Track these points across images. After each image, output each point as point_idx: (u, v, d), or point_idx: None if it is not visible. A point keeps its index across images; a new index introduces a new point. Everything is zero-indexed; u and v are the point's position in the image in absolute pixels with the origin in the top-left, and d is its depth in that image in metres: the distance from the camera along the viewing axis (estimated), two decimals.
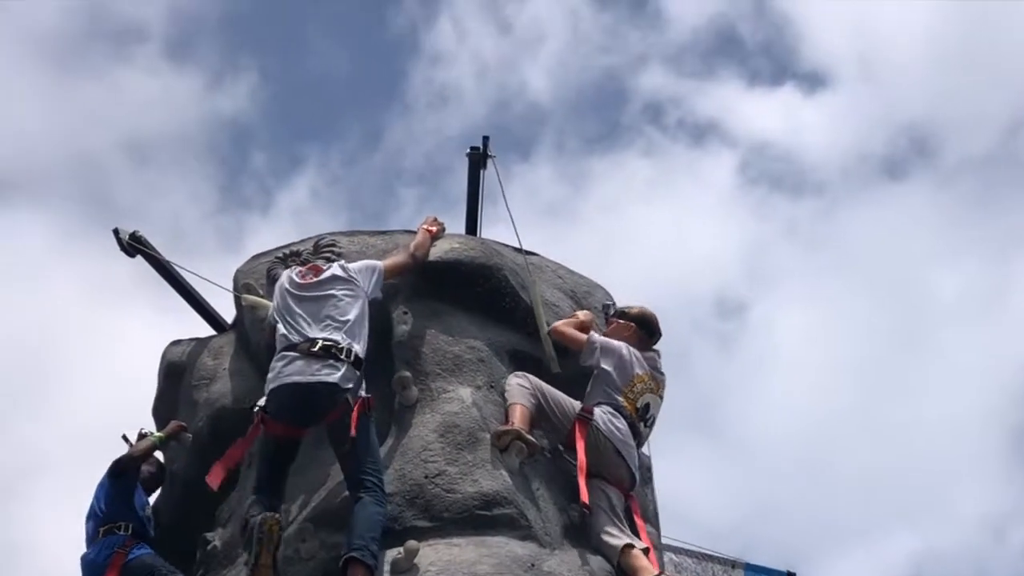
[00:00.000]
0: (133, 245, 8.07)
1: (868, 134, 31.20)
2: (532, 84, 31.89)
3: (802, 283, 30.20)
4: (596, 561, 6.63)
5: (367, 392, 6.56)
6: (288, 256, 7.62)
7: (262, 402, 6.59)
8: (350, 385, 6.42)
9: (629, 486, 7.13)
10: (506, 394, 7.01)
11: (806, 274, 30.24)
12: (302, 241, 7.73)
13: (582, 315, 7.53)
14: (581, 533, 6.83)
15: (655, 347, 7.57)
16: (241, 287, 7.65)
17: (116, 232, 8.07)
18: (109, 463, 7.52)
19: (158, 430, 7.98)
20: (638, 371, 7.27)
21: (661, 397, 7.42)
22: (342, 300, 6.73)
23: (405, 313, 7.19)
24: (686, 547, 10.30)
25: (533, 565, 6.22)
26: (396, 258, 7.14)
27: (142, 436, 8.12)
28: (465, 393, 6.92)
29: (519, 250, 7.75)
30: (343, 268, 6.94)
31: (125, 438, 8.04)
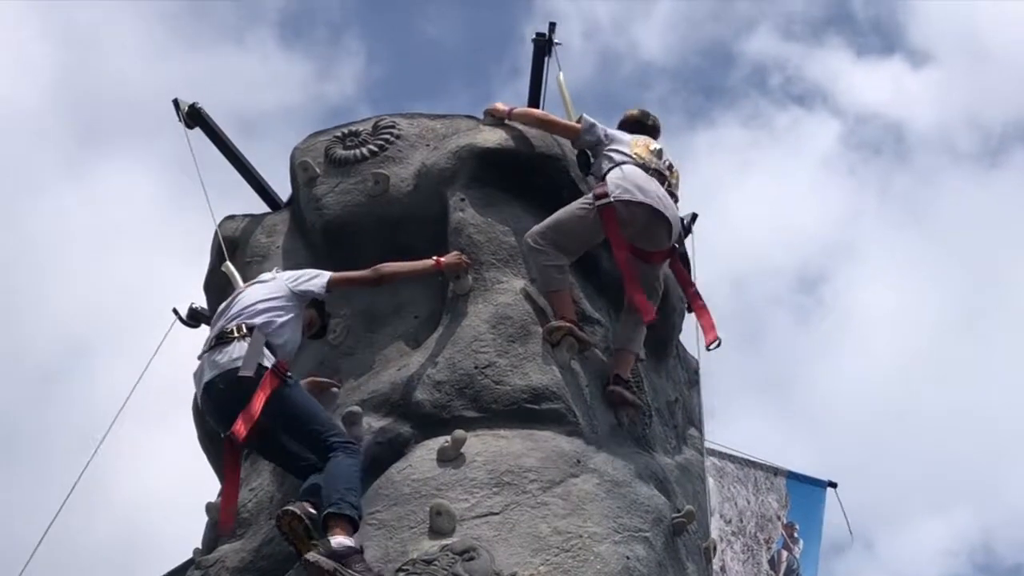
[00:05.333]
0: (193, 117, 8.00)
1: (971, 117, 30.72)
2: (640, 47, 31.41)
3: (886, 260, 30.01)
4: (641, 460, 6.59)
5: None
6: (347, 135, 7.54)
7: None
8: (249, 358, 5.84)
9: (668, 248, 6.92)
10: (537, 277, 6.75)
11: (892, 251, 30.01)
12: (363, 120, 7.64)
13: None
14: (628, 433, 6.79)
15: None
16: (298, 165, 7.57)
17: (176, 103, 8.00)
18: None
19: (209, 305, 7.97)
20: (636, 138, 7.18)
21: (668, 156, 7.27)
22: (249, 293, 6.32)
23: (462, 200, 7.08)
24: (729, 452, 10.26)
25: (579, 461, 6.18)
26: (355, 272, 6.52)
27: (193, 310, 8.12)
28: (519, 284, 6.82)
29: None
30: (273, 272, 6.59)
31: (176, 312, 8.04)
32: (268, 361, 5.90)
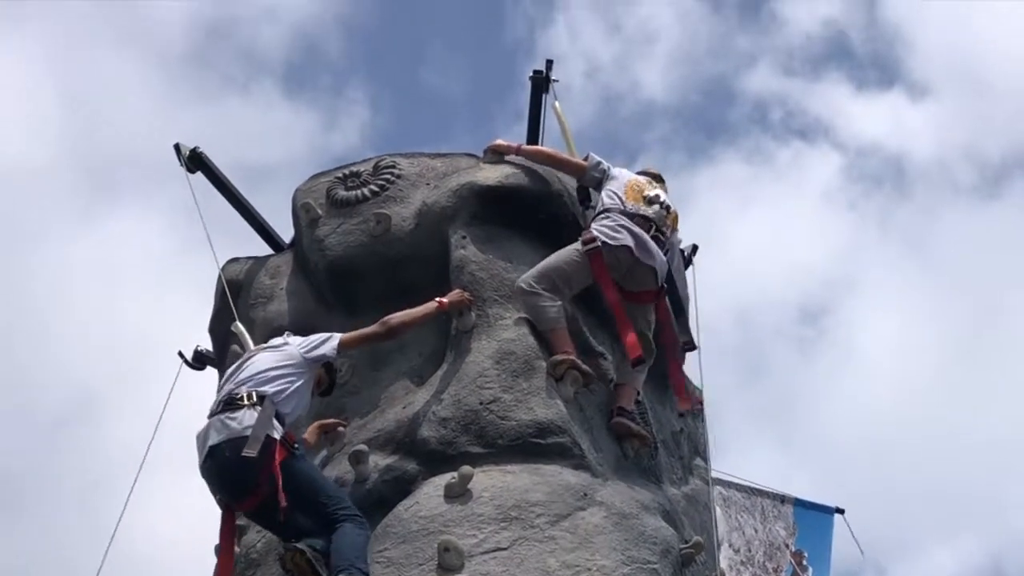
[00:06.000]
0: (194, 161, 8.05)
1: (970, 148, 31.00)
2: (642, 86, 31.77)
3: (888, 291, 30.20)
4: (648, 491, 6.61)
5: None
6: (348, 176, 7.58)
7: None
8: (258, 431, 5.83)
9: (655, 289, 7.06)
10: (530, 314, 6.81)
11: (893, 282, 30.21)
12: (363, 161, 7.69)
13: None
14: (634, 465, 6.81)
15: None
16: (300, 206, 7.62)
17: (177, 148, 8.05)
18: None
19: (214, 348, 8.01)
20: (639, 176, 7.37)
21: (670, 201, 7.40)
22: (260, 359, 6.29)
23: (464, 237, 7.13)
24: (735, 481, 10.26)
25: (585, 495, 6.19)
26: (364, 329, 6.54)
27: (197, 352, 8.16)
28: (522, 320, 6.85)
29: None
30: (284, 338, 6.55)
31: (181, 355, 8.08)
32: (276, 432, 5.91)
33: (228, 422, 5.92)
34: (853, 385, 28.13)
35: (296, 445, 6.01)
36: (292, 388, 6.15)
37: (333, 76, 32.03)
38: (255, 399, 5.98)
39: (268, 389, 6.06)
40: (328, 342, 6.39)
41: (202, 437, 6.02)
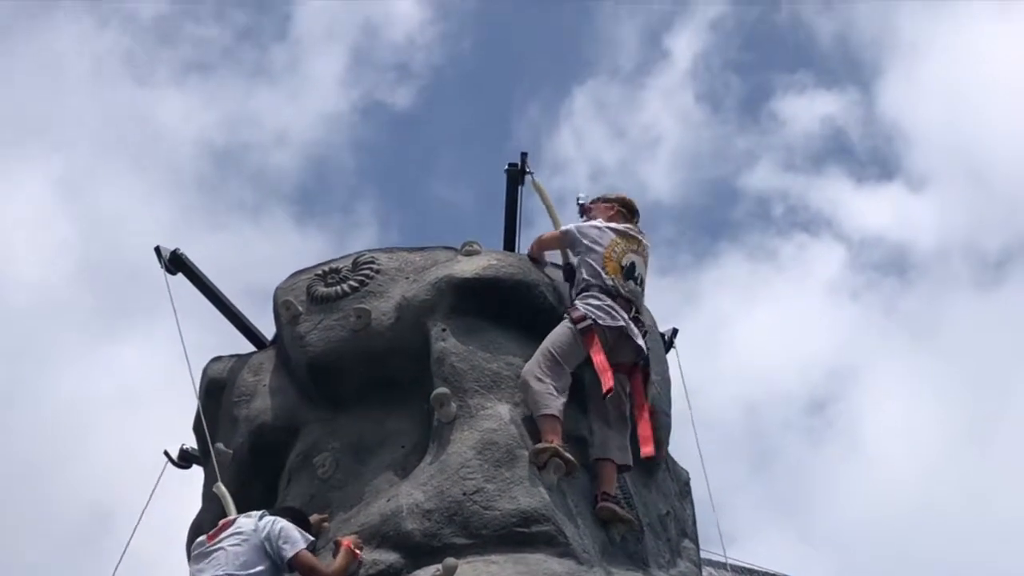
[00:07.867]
0: (175, 263, 8.12)
1: (971, 236, 31.44)
2: (646, 189, 32.41)
3: (893, 379, 30.47)
4: None
5: None
6: (327, 273, 7.65)
7: None
8: None
9: (633, 362, 7.25)
10: (528, 400, 6.93)
11: (898, 371, 30.53)
12: (342, 258, 7.77)
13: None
14: (621, 550, 6.83)
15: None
16: (281, 304, 7.69)
17: (158, 250, 8.12)
18: None
19: (199, 446, 8.04)
20: (615, 236, 7.47)
21: (644, 259, 7.58)
22: (229, 549, 6.26)
23: (443, 330, 7.20)
24: (728, 562, 10.26)
25: None
26: (315, 565, 6.33)
27: (183, 452, 8.18)
28: (503, 410, 6.91)
29: (558, 266, 7.77)
30: (250, 523, 6.42)
31: (167, 454, 8.10)
32: None
33: None
34: (861, 472, 28.25)
35: None
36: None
37: (342, 196, 32.51)
38: None
39: None
40: (278, 548, 6.25)
41: None
